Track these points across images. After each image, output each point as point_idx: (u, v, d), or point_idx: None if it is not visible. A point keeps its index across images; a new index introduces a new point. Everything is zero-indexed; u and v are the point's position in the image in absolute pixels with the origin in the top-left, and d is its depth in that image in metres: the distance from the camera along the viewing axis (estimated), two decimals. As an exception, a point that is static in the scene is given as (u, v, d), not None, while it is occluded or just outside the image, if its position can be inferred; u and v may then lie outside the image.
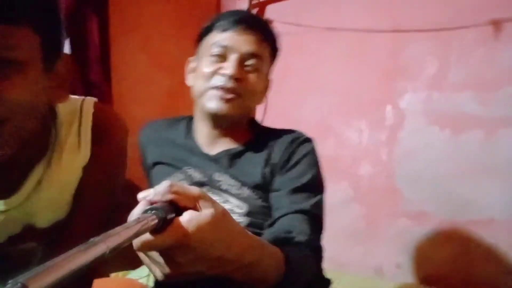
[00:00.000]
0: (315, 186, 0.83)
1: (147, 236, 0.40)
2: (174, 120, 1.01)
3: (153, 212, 0.40)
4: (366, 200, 1.68)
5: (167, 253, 0.43)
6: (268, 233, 0.77)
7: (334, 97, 1.79)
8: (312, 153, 0.87)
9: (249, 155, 0.88)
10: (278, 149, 0.86)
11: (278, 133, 0.90)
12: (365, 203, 1.68)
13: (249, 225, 0.80)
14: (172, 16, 2.03)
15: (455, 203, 1.46)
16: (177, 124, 0.99)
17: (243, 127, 0.93)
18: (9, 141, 0.54)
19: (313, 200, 0.80)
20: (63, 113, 0.70)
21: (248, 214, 0.81)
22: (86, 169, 0.71)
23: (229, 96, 0.83)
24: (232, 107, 0.84)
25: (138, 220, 0.39)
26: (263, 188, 0.83)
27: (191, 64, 0.95)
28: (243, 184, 0.84)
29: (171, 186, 0.43)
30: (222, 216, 0.44)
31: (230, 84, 0.83)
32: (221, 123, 0.88)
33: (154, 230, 0.40)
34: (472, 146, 1.43)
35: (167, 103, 1.99)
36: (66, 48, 0.65)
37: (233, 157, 0.88)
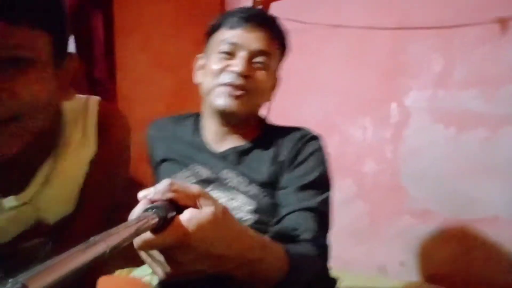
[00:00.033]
0: (322, 183, 0.83)
1: (147, 235, 0.40)
2: (182, 117, 1.01)
3: (153, 211, 0.40)
4: (370, 198, 1.68)
5: (168, 252, 0.43)
6: (274, 231, 0.77)
7: (339, 94, 1.79)
8: (319, 150, 0.87)
9: (257, 152, 0.88)
10: (286, 146, 0.86)
11: (286, 131, 0.90)
12: (369, 200, 1.68)
13: (257, 222, 0.80)
14: (176, 15, 2.03)
15: (460, 201, 1.45)
16: (184, 121, 0.99)
17: (251, 124, 0.93)
18: (22, 137, 0.56)
19: (320, 197, 0.80)
20: (68, 111, 0.71)
21: (256, 211, 0.81)
22: (92, 164, 0.73)
23: (238, 93, 0.83)
24: (241, 104, 0.84)
25: (138, 219, 0.39)
26: (271, 185, 0.83)
27: (200, 61, 0.94)
28: (251, 181, 0.84)
29: (171, 184, 0.43)
30: (222, 215, 0.44)
31: (238, 81, 0.83)
32: (229, 120, 0.88)
33: (155, 229, 0.40)
34: (477, 144, 1.42)
35: (171, 102, 1.99)
36: (71, 46, 0.67)
37: (241, 154, 0.88)
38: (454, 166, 1.47)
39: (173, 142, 0.94)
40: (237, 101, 0.84)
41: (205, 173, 0.87)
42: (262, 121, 0.97)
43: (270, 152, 0.87)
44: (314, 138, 0.89)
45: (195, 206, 0.43)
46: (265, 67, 0.87)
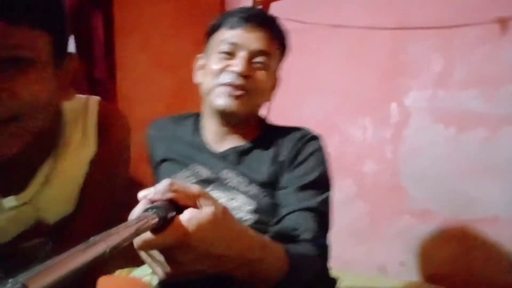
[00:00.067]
0: (322, 183, 0.83)
1: (147, 235, 0.40)
2: (182, 117, 1.01)
3: (153, 211, 0.40)
4: (370, 198, 1.68)
5: (168, 252, 0.43)
6: (274, 231, 0.77)
7: (339, 94, 1.78)
8: (320, 150, 0.87)
9: (257, 152, 0.88)
10: (286, 146, 0.86)
11: (286, 131, 0.90)
12: (369, 200, 1.68)
13: (257, 222, 0.80)
14: (176, 15, 2.03)
15: (460, 201, 1.45)
16: (184, 121, 0.99)
17: (251, 124, 0.93)
18: (22, 137, 0.57)
19: (320, 197, 0.79)
20: (68, 111, 0.71)
21: (256, 211, 0.81)
22: (92, 164, 0.73)
23: (238, 92, 0.83)
24: (241, 104, 0.84)
25: (138, 219, 0.39)
26: (271, 185, 0.83)
27: (200, 61, 0.94)
28: (251, 181, 0.84)
29: (171, 184, 0.43)
30: (222, 215, 0.44)
31: (238, 81, 0.83)
32: (229, 120, 0.88)
33: (155, 229, 0.40)
34: (477, 144, 1.42)
35: (171, 101, 1.99)
36: (71, 46, 0.68)
37: (241, 154, 0.88)
38: (454, 166, 1.47)
39: (173, 142, 0.94)
40: (237, 101, 0.84)
41: (205, 173, 0.87)
42: (262, 121, 0.97)
43: (270, 152, 0.87)
44: (314, 138, 0.89)
45: (195, 206, 0.43)
46: (265, 67, 0.87)
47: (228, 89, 0.83)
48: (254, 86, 0.85)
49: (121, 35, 1.76)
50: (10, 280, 0.26)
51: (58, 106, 0.68)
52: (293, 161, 0.84)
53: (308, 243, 0.71)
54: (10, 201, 0.67)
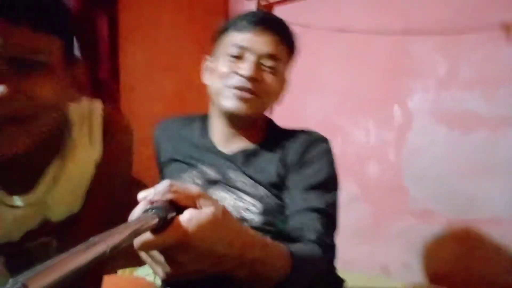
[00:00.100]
0: (329, 184, 0.82)
1: (147, 236, 0.40)
2: (189, 118, 1.01)
3: (153, 211, 0.40)
4: (372, 199, 1.67)
5: (168, 252, 0.43)
6: (279, 231, 0.77)
7: (341, 96, 1.78)
8: (327, 152, 0.87)
9: (264, 154, 0.88)
10: (293, 148, 0.86)
11: (293, 133, 0.90)
12: (371, 202, 1.67)
13: (264, 223, 0.80)
14: (180, 16, 2.04)
15: (462, 202, 1.45)
16: (192, 122, 0.99)
17: (258, 126, 0.93)
18: (35, 135, 0.59)
19: (327, 198, 0.79)
20: (74, 114, 0.74)
21: (263, 212, 0.80)
22: (98, 166, 0.75)
23: (246, 95, 0.83)
24: (249, 107, 0.84)
25: (138, 220, 0.39)
26: (278, 186, 0.83)
27: (208, 63, 0.95)
28: (258, 182, 0.83)
29: (171, 185, 0.43)
30: (222, 215, 0.44)
31: (246, 85, 0.83)
32: (237, 122, 0.88)
33: (155, 230, 0.40)
34: (480, 146, 1.42)
35: (173, 102, 2.00)
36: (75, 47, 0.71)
37: (248, 155, 0.88)
38: (457, 167, 1.46)
39: (180, 143, 0.95)
40: (245, 104, 0.84)
41: (212, 174, 0.87)
42: (269, 123, 0.97)
43: (277, 153, 0.87)
44: (322, 140, 0.89)
45: (195, 206, 0.44)
46: (273, 70, 0.86)
47: (236, 91, 0.84)
48: (262, 89, 0.85)
49: (124, 36, 1.76)
50: (10, 280, 0.26)
51: (66, 108, 0.70)
52: (300, 162, 0.84)
53: (313, 243, 0.70)
54: (19, 200, 0.69)
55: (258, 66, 0.85)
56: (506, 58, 1.37)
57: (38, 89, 0.56)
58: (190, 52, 2.04)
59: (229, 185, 0.85)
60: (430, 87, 1.54)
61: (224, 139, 0.91)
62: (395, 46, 1.63)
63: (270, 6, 1.99)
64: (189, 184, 0.86)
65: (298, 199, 0.79)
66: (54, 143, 0.71)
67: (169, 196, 0.43)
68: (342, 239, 0.78)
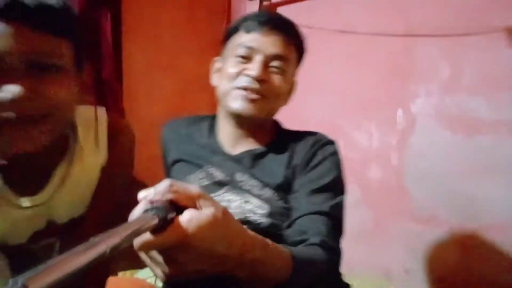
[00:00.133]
0: (335, 188, 0.82)
1: (147, 236, 0.40)
2: (197, 118, 1.01)
3: (153, 211, 0.40)
4: (375, 203, 1.67)
5: (168, 253, 0.43)
6: (284, 234, 0.76)
7: (344, 99, 1.78)
8: (334, 155, 0.86)
9: (271, 156, 0.88)
10: (300, 150, 0.86)
11: (300, 135, 0.90)
12: (373, 205, 1.67)
13: (271, 226, 0.79)
14: (181, 16, 2.04)
15: (466, 206, 1.44)
16: (200, 123, 0.99)
17: (266, 128, 0.93)
18: (48, 134, 0.62)
19: (333, 201, 0.78)
20: (78, 118, 0.76)
21: (270, 215, 0.80)
22: (103, 170, 0.78)
23: (254, 96, 0.83)
24: (257, 108, 0.84)
25: (138, 220, 0.39)
26: (284, 189, 0.83)
27: (216, 64, 0.95)
28: (265, 185, 0.83)
29: (171, 185, 0.43)
30: (222, 215, 0.44)
31: (254, 86, 0.83)
32: (245, 124, 0.88)
33: (155, 230, 0.40)
34: (484, 151, 1.41)
35: (174, 102, 2.00)
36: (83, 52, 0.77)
37: (255, 157, 0.87)
38: (460, 171, 1.46)
39: (188, 143, 0.95)
40: (253, 105, 0.84)
41: (219, 175, 0.87)
42: (277, 125, 0.97)
43: (285, 156, 0.86)
44: (329, 143, 0.89)
45: (195, 207, 0.44)
46: (281, 71, 0.86)
47: (244, 92, 0.83)
48: (270, 90, 0.85)
49: (131, 34, 1.77)
50: (10, 280, 0.26)
51: (75, 109, 0.73)
52: (307, 165, 0.84)
53: (317, 246, 0.69)
54: (27, 201, 0.70)
55: (266, 66, 0.85)
56: (510, 61, 1.36)
57: (52, 91, 0.59)
58: (191, 52, 2.05)
59: (236, 187, 0.84)
60: (433, 90, 1.53)
61: (232, 141, 0.90)
62: (398, 49, 1.62)
63: (272, 6, 1.99)
64: (195, 185, 0.86)
65: (303, 202, 0.79)
66: (61, 145, 0.73)
67: (169, 196, 0.43)
68: (344, 244, 0.78)
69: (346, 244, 0.79)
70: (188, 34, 2.05)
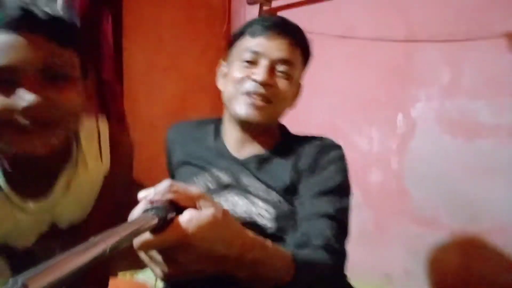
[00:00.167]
0: (341, 191, 0.82)
1: (147, 236, 0.40)
2: (203, 121, 1.01)
3: (153, 211, 0.40)
4: (375, 206, 1.66)
5: (167, 252, 0.43)
6: (289, 237, 0.76)
7: (345, 104, 1.78)
8: (340, 159, 0.86)
9: (277, 159, 0.87)
10: (306, 154, 0.86)
11: (306, 139, 0.90)
12: (374, 209, 1.66)
13: (277, 229, 0.79)
14: (183, 18, 2.04)
15: (466, 209, 1.44)
16: (206, 126, 0.99)
17: (272, 132, 0.92)
18: (60, 138, 0.65)
19: (338, 204, 0.78)
20: (81, 128, 0.78)
21: (276, 218, 0.80)
22: (105, 178, 0.81)
23: (259, 103, 0.83)
24: (262, 114, 0.84)
25: (138, 220, 0.39)
26: (291, 193, 0.82)
27: (223, 68, 0.94)
28: (271, 188, 0.83)
29: (171, 185, 0.43)
30: (222, 216, 0.44)
31: (260, 90, 0.83)
32: (250, 128, 0.88)
33: (154, 230, 0.40)
34: (484, 153, 1.40)
35: (173, 103, 2.00)
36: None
37: (261, 161, 0.87)
38: (460, 175, 1.45)
39: (193, 146, 0.95)
40: (258, 111, 0.83)
41: (225, 178, 0.86)
42: (283, 129, 0.97)
43: (290, 159, 0.86)
44: (335, 147, 0.88)
45: (194, 207, 0.44)
46: (287, 76, 0.86)
47: (249, 99, 0.83)
48: (275, 95, 0.85)
49: (132, 35, 1.77)
50: (10, 280, 0.26)
51: (83, 116, 0.76)
52: (313, 169, 0.83)
53: (320, 249, 0.69)
54: (32, 205, 0.71)
55: (272, 71, 0.84)
56: (510, 66, 1.36)
57: (64, 99, 0.63)
58: (192, 52, 2.05)
59: (242, 190, 0.84)
60: (434, 94, 1.53)
61: (237, 144, 0.90)
62: (398, 53, 1.62)
63: (272, 11, 1.99)
64: (200, 187, 0.86)
65: (308, 205, 0.78)
66: (66, 151, 0.75)
67: (169, 196, 0.43)
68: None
69: (347, 246, 0.79)
70: (188, 35, 2.05)
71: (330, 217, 0.75)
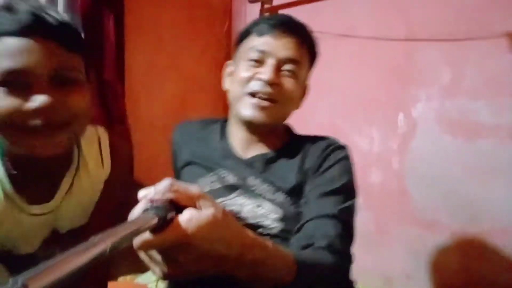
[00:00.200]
0: (346, 192, 0.81)
1: (147, 235, 0.40)
2: (209, 121, 1.01)
3: (153, 211, 0.40)
4: (375, 207, 1.66)
5: (167, 252, 0.43)
6: (293, 238, 0.75)
7: (345, 104, 1.78)
8: (345, 159, 0.86)
9: (283, 160, 0.87)
10: (311, 154, 0.85)
11: (312, 140, 0.90)
12: (374, 210, 1.66)
13: (283, 230, 0.78)
14: (184, 18, 2.04)
15: (467, 210, 1.43)
16: (211, 126, 0.98)
17: (278, 132, 0.92)
18: (68, 140, 0.67)
19: (343, 205, 0.78)
20: (85, 134, 0.80)
21: (283, 219, 0.79)
22: (106, 183, 0.82)
23: (265, 104, 0.83)
24: (268, 115, 0.83)
25: (138, 219, 0.39)
26: (297, 193, 0.82)
27: (229, 68, 0.94)
28: (277, 189, 0.83)
29: (171, 184, 0.43)
30: (222, 216, 0.44)
31: (266, 89, 0.82)
32: (256, 129, 0.87)
33: (154, 229, 0.40)
34: (484, 153, 1.40)
35: (176, 103, 2.00)
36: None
37: (267, 162, 0.87)
38: (461, 176, 1.45)
39: (199, 146, 0.94)
40: (264, 112, 0.83)
41: (231, 179, 0.86)
42: (288, 129, 0.96)
43: (296, 160, 0.86)
44: (341, 147, 0.88)
45: (195, 207, 0.43)
46: (293, 75, 0.85)
47: (255, 100, 0.83)
48: (282, 94, 0.84)
49: (129, 37, 1.77)
50: (10, 280, 0.26)
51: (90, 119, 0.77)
52: (318, 169, 0.83)
53: (323, 250, 0.68)
54: (37, 209, 0.72)
55: (278, 70, 0.84)
56: (510, 66, 1.36)
57: (73, 101, 0.65)
58: (192, 52, 2.05)
59: (249, 191, 0.83)
60: (434, 95, 1.53)
61: (243, 145, 0.90)
62: (399, 53, 1.62)
63: (273, 10, 1.99)
64: (206, 188, 0.86)
65: (312, 205, 0.78)
66: (68, 156, 0.76)
67: (169, 195, 0.43)
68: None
69: (352, 247, 0.79)
70: (189, 35, 2.05)
71: (334, 217, 0.75)
